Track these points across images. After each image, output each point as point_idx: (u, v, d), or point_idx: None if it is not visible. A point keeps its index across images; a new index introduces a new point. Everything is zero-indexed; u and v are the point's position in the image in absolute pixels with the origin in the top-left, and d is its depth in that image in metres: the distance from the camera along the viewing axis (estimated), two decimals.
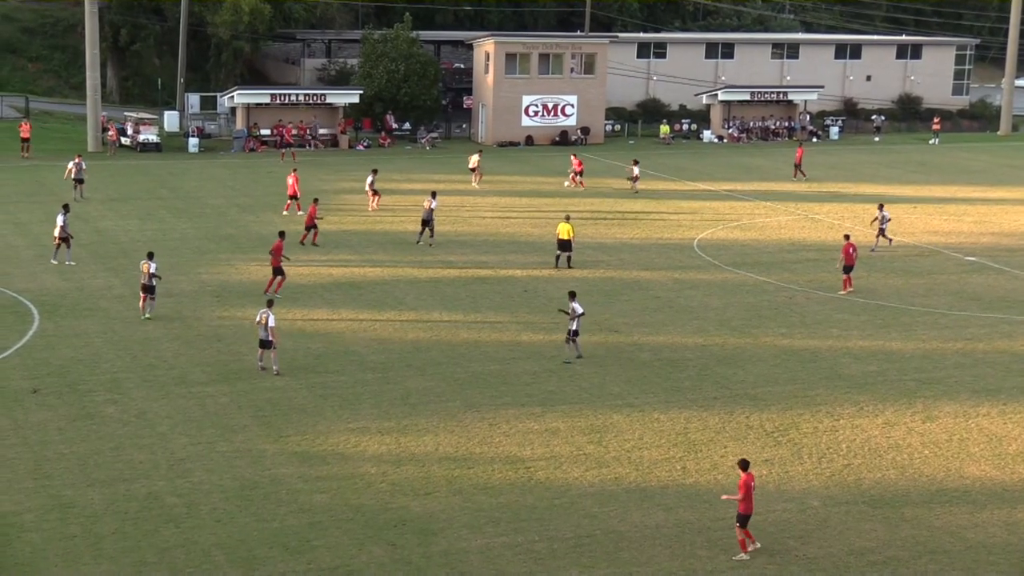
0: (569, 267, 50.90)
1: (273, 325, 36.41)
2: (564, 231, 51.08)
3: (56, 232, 48.47)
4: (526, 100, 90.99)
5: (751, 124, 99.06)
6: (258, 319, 36.44)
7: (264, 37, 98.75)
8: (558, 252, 51.30)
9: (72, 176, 62.56)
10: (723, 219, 63.15)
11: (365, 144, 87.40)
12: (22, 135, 76.10)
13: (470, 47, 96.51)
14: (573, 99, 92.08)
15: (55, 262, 48.67)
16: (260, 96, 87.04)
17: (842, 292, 47.84)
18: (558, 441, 32.10)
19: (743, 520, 25.89)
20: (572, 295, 39.39)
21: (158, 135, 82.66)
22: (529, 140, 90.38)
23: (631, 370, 38.10)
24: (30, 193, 63.31)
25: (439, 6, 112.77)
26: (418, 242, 54.45)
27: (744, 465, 26.31)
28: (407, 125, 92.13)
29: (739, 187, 73.28)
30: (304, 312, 43.21)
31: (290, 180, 60.13)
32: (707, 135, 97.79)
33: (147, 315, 41.76)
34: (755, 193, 71.22)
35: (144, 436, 31.55)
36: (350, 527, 26.67)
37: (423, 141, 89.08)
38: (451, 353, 39.18)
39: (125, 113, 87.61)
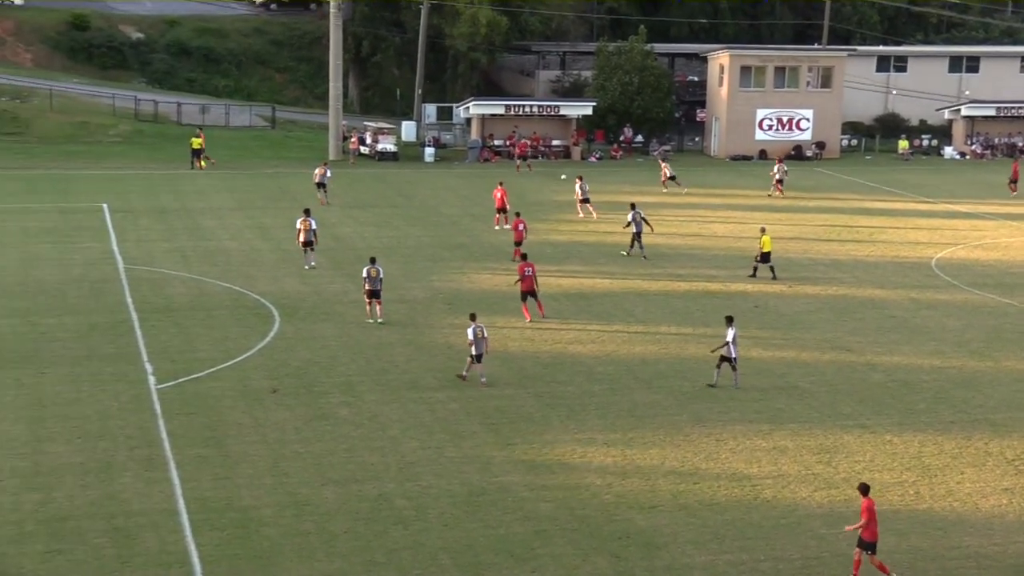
0: (774, 278, 50.58)
1: (486, 337, 36.61)
2: (766, 243, 50.74)
3: (300, 237, 50.05)
4: (760, 113, 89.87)
5: (996, 140, 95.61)
6: (481, 334, 36.44)
7: (500, 49, 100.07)
8: (760, 264, 50.98)
9: (316, 181, 64.71)
10: (964, 238, 61.10)
11: (597, 156, 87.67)
12: (194, 146, 75.88)
13: (704, 60, 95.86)
14: (809, 113, 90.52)
15: (309, 266, 50.20)
16: (495, 107, 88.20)
17: None
18: (786, 460, 31.58)
19: (869, 547, 25.06)
20: (729, 320, 37.72)
21: (395, 144, 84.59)
22: (762, 154, 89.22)
23: (863, 390, 37.22)
24: (274, 198, 65.62)
25: (674, 19, 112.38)
26: (627, 254, 54.34)
27: (864, 489, 25.60)
28: (639, 137, 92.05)
29: (982, 206, 70.79)
30: (534, 322, 43.55)
31: (497, 194, 60.38)
32: (948, 151, 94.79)
33: (380, 320, 42.72)
34: (999, 212, 68.70)
35: (376, 439, 32.32)
36: (574, 537, 26.77)
37: (655, 154, 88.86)
38: (679, 367, 38.96)
39: (364, 122, 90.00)
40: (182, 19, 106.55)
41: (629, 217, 54.55)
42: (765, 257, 50.91)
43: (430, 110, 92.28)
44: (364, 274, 43.06)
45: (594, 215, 62.20)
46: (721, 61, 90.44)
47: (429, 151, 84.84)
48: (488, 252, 54.42)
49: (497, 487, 29.43)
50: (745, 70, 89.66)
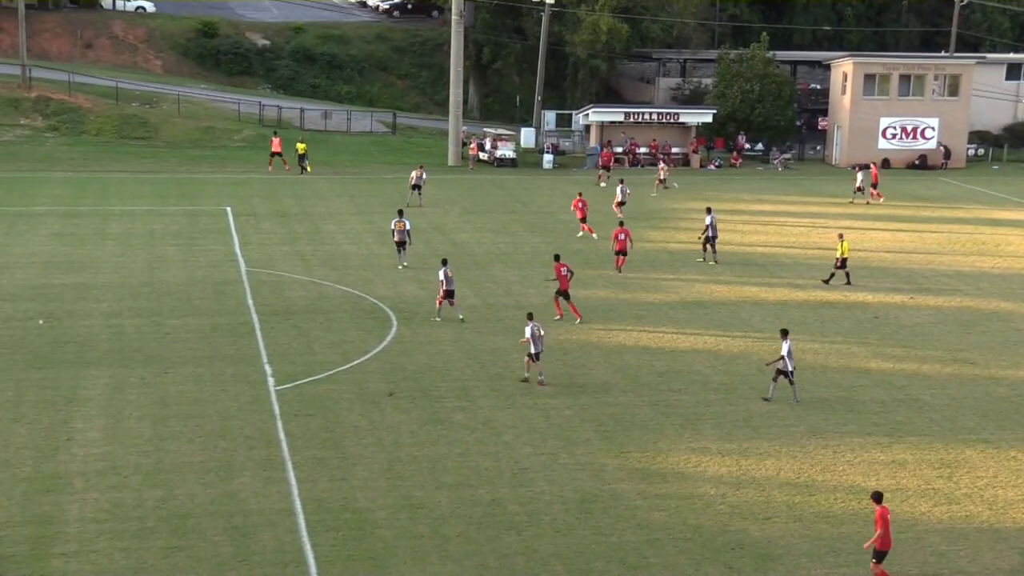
0: (848, 283, 50.35)
1: (543, 335, 37.08)
2: (844, 249, 50.56)
3: (395, 237, 51.26)
4: (884, 122, 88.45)
5: None
6: (538, 332, 36.81)
7: (620, 56, 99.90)
8: (838, 270, 50.71)
9: (412, 183, 65.88)
10: None
11: (716, 164, 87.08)
12: (273, 149, 76.23)
13: (827, 67, 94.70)
14: (934, 122, 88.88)
15: (402, 266, 51.16)
16: (614, 114, 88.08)
17: None
18: (905, 473, 31.07)
19: (880, 556, 24.83)
20: (784, 333, 36.58)
21: (514, 151, 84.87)
22: (886, 163, 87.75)
23: (986, 404, 36.47)
24: (393, 203, 66.09)
25: (797, 26, 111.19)
26: (703, 260, 54.15)
27: (878, 498, 25.29)
28: (759, 145, 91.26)
29: None
30: (650, 329, 43.43)
31: (579, 204, 59.80)
32: None
33: (461, 317, 43.78)
34: None
35: (490, 443, 32.46)
36: (687, 547, 26.63)
37: (775, 162, 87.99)
38: (795, 377, 38.48)
39: (484, 129, 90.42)
40: (307, 26, 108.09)
41: (708, 221, 54.39)
42: (843, 263, 50.59)
43: (549, 117, 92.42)
44: (442, 276, 43.74)
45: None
46: (844, 69, 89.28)
47: (548, 158, 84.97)
48: (604, 259, 54.31)
49: (610, 494, 29.39)
50: (869, 78, 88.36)
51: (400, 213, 52.39)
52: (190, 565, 25.46)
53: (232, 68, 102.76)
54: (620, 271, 51.86)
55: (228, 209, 63.25)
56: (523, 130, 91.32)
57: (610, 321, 44.36)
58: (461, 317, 43.87)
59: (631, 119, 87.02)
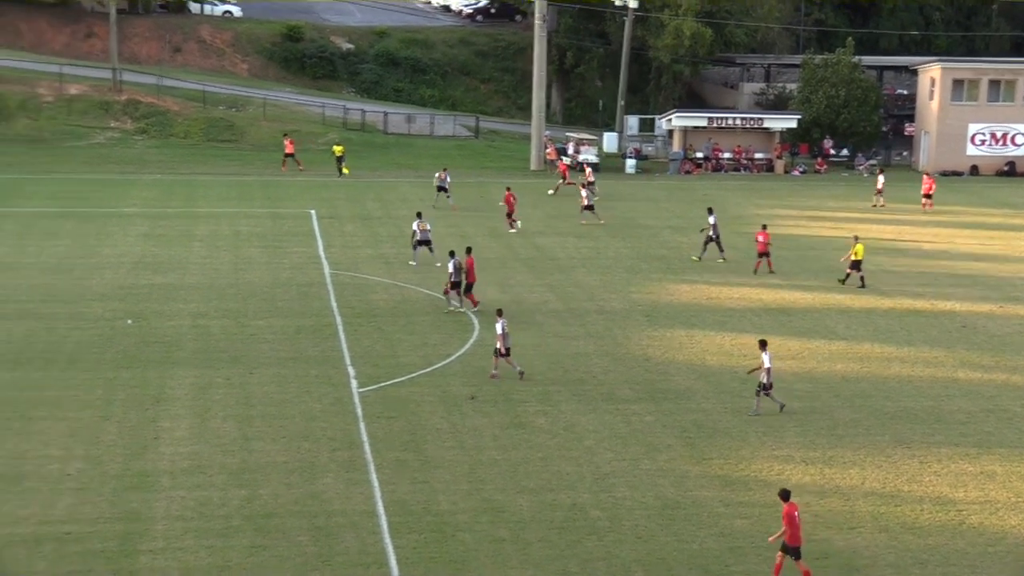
0: (862, 286, 50.15)
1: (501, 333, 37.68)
2: (859, 252, 50.37)
3: (416, 236, 52.16)
4: (972, 128, 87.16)
5: None
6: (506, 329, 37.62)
7: (704, 61, 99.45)
8: (852, 271, 50.59)
9: (437, 184, 66.64)
10: None
11: (801, 170, 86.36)
12: (286, 150, 76.92)
13: (914, 72, 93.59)
14: None
15: (413, 263, 52.17)
16: (697, 119, 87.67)
17: None
18: (994, 485, 30.59)
19: (794, 552, 24.97)
20: (762, 344, 35.70)
21: (597, 155, 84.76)
22: (974, 170, 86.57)
23: None
24: (475, 207, 66.36)
25: (884, 31, 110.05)
26: (699, 259, 54.59)
27: (785, 495, 25.42)
28: (844, 151, 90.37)
29: None
30: (732, 336, 43.16)
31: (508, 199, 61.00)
32: None
33: (452, 308, 44.90)
34: None
35: (571, 448, 32.43)
36: (770, 555, 26.38)
37: (860, 168, 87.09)
38: (881, 386, 38.11)
39: (566, 133, 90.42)
40: (390, 30, 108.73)
41: (711, 220, 54.90)
42: (856, 265, 50.41)
43: (632, 121, 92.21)
44: (451, 267, 44.89)
45: (582, 222, 62.52)
46: (932, 74, 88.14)
47: (630, 162, 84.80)
48: (688, 264, 54.10)
49: (691, 501, 29.25)
50: (957, 83, 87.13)
51: (419, 215, 53.59)
52: (274, 564, 25.70)
53: (317, 72, 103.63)
54: (756, 273, 52.42)
55: (312, 212, 63.79)
56: (606, 135, 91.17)
57: (692, 327, 44.15)
58: (463, 309, 44.98)
59: (714, 124, 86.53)
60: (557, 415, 34.85)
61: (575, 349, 41.17)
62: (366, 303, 46.35)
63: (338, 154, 76.11)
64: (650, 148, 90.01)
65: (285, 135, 79.59)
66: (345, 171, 75.40)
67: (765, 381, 35.11)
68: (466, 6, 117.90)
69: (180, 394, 35.75)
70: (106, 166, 76.58)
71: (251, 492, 29.11)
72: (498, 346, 37.55)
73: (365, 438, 32.73)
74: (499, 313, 38.30)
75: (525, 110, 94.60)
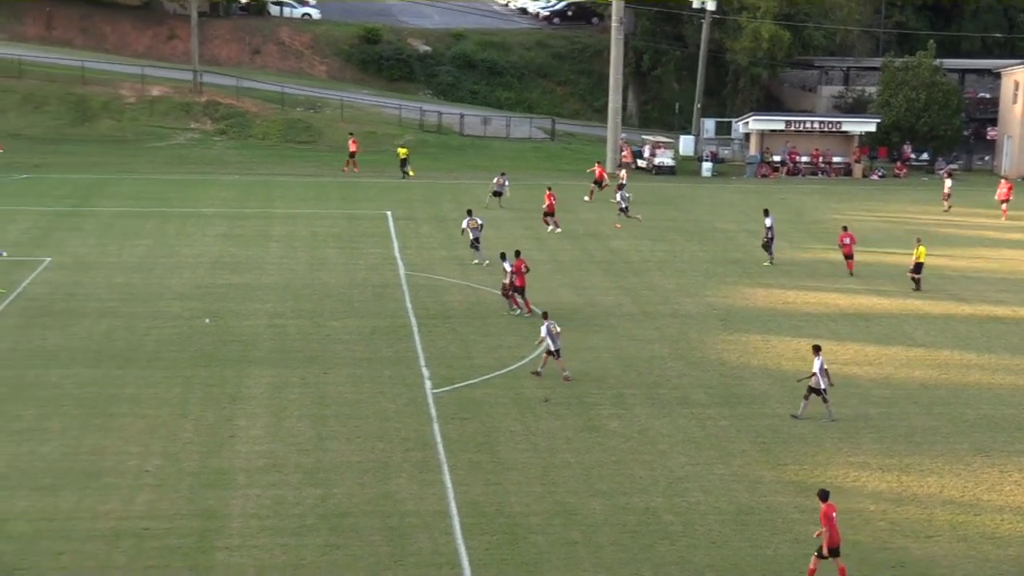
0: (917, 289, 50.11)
1: (560, 332, 38.05)
2: (920, 254, 50.38)
3: (470, 235, 52.86)
4: None
5: None
6: (555, 330, 37.73)
7: (782, 64, 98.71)
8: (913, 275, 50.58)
9: (493, 190, 67.20)
10: None
11: (879, 174, 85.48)
12: (351, 149, 77.99)
13: (997, 76, 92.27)
14: None
15: (476, 261, 52.58)
16: (774, 122, 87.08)
17: None
18: None
19: (833, 552, 25.03)
20: (816, 349, 35.09)
21: (673, 158, 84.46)
22: None
23: None
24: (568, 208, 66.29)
25: (966, 33, 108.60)
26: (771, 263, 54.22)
27: (824, 496, 25.38)
28: (924, 156, 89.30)
29: None
30: (809, 341, 42.65)
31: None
32: None
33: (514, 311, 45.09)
34: None
35: (645, 452, 32.33)
36: (845, 563, 26.10)
37: (941, 172, 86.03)
38: (960, 393, 37.61)
39: (643, 136, 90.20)
40: (467, 32, 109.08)
41: (767, 223, 54.86)
42: (917, 268, 50.42)
43: (709, 124, 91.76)
44: (507, 267, 45.15)
45: (617, 225, 61.92)
46: (1016, 77, 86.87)
47: (707, 166, 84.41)
48: (764, 268, 53.73)
49: (766, 507, 29.03)
50: None
51: (470, 212, 54.25)
52: (347, 563, 25.86)
53: (394, 74, 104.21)
54: (852, 274, 52.47)
55: (388, 213, 64.15)
56: (682, 137, 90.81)
57: (768, 332, 43.85)
58: (518, 312, 44.92)
59: (792, 127, 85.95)
60: (631, 418, 34.75)
61: (649, 352, 41.04)
62: (441, 304, 46.52)
63: (402, 156, 76.46)
64: (726, 151, 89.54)
65: (351, 135, 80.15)
66: (411, 173, 75.71)
67: (818, 386, 34.59)
68: (543, 8, 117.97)
69: (256, 393, 36.09)
70: (186, 167, 77.59)
71: (325, 491, 29.31)
72: (549, 347, 37.43)
73: (439, 439, 32.84)
74: (545, 316, 38.46)
75: (601, 113, 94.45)
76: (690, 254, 56.82)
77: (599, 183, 71.17)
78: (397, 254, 54.99)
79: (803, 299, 48.64)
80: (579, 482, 30.23)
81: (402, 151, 77.27)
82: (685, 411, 35.49)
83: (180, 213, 62.65)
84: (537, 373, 37.98)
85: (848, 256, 52.75)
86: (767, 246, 54.62)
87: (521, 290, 45.05)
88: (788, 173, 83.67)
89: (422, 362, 39.41)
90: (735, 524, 28.09)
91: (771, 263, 54.14)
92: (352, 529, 27.40)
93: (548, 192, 61.97)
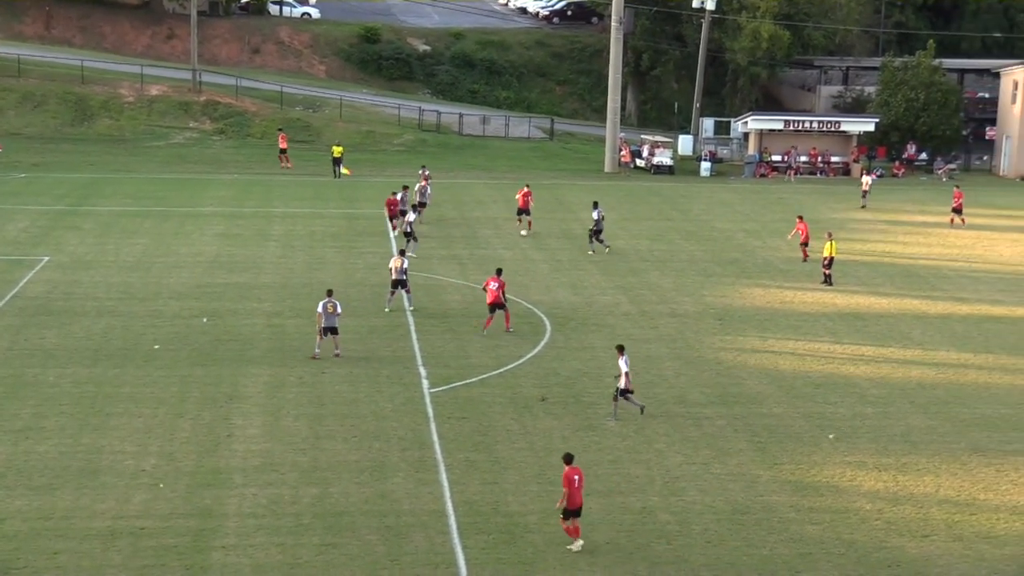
0: (829, 284, 50.61)
1: (339, 312, 39.17)
2: (831, 248, 50.94)
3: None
4: None
5: None
6: (333, 310, 38.72)
7: (781, 63, 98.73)
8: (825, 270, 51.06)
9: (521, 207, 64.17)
10: None
11: (878, 173, 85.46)
12: (280, 146, 78.17)
13: (996, 76, 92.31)
14: None
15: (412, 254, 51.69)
16: (773, 122, 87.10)
17: None
18: None
19: (568, 514, 26.07)
20: (620, 349, 34.74)
21: (672, 158, 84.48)
22: None
23: None
24: (549, 209, 66.32)
25: (966, 33, 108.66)
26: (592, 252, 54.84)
27: (568, 459, 26.25)
28: (923, 155, 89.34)
29: None
30: (806, 341, 42.82)
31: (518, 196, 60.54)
32: None
33: (388, 309, 45.20)
34: None
35: (641, 451, 32.34)
36: (841, 562, 26.19)
37: (939, 172, 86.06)
38: (957, 393, 37.64)
39: (641, 136, 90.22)
40: (467, 32, 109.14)
41: (595, 215, 55.88)
42: (828, 263, 51.12)
43: (708, 124, 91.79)
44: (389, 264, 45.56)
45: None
46: (1015, 77, 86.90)
47: (705, 165, 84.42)
48: (762, 268, 53.78)
49: (762, 506, 29.05)
50: None
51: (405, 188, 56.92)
52: (343, 563, 25.86)
53: (393, 73, 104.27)
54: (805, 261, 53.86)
55: (386, 212, 64.03)
56: (681, 137, 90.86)
57: (765, 331, 43.88)
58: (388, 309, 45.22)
59: (791, 127, 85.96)
60: (628, 418, 34.74)
61: (646, 352, 41.04)
62: (439, 304, 46.52)
63: (336, 155, 75.14)
64: (725, 151, 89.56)
65: (279, 130, 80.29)
66: (345, 172, 74.51)
67: (625, 387, 34.32)
68: (542, 8, 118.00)
69: (253, 392, 36.10)
70: (184, 166, 77.60)
71: (322, 490, 29.32)
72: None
73: (436, 438, 32.84)
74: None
75: (600, 112, 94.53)
76: (688, 254, 56.84)
77: (524, 211, 60.79)
78: (395, 253, 54.86)
79: (800, 299, 48.66)
80: None
81: (336, 149, 75.59)
82: (682, 410, 35.50)
83: (178, 212, 62.63)
84: (314, 357, 39.13)
85: (804, 244, 54.64)
86: (596, 235, 55.74)
87: (495, 307, 42.80)
88: (793, 174, 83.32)
89: (419, 361, 39.41)
90: (731, 523, 28.09)
91: (593, 252, 55.48)
92: (349, 528, 27.40)
93: (524, 189, 61.11)
